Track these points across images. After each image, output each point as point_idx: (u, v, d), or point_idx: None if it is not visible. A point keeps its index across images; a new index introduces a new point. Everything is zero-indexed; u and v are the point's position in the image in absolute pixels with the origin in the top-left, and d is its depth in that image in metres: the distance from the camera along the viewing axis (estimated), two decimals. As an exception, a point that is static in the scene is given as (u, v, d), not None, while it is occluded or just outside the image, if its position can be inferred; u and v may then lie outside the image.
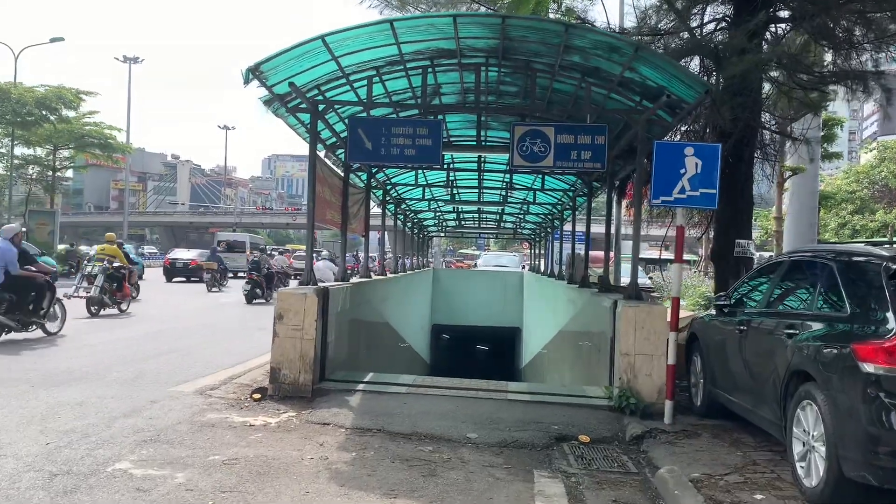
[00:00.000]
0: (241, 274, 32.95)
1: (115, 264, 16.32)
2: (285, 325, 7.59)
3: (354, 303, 9.94)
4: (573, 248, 15.21)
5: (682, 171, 6.88)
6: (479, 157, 13.32)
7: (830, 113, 19.07)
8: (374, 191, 14.28)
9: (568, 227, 19.65)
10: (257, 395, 7.55)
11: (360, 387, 7.83)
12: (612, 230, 13.27)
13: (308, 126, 8.33)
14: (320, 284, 8.38)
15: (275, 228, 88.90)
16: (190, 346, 11.62)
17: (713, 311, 7.17)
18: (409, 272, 20.91)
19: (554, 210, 18.73)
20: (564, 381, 12.07)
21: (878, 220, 38.80)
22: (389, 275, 15.99)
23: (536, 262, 29.78)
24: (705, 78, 9.37)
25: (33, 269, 11.44)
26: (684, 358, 7.74)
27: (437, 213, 23.94)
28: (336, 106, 8.65)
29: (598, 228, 14.19)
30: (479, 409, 7.17)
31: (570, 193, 14.86)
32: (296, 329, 7.59)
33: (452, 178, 15.37)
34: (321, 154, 10.07)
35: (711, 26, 10.41)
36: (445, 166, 13.56)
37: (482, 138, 11.17)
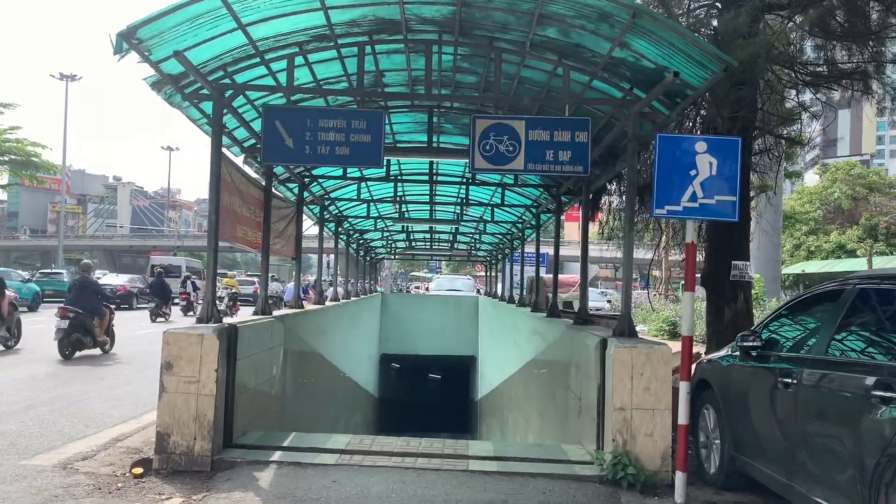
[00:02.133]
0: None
1: (232, 291, 27.72)
2: (175, 377, 5.75)
3: (281, 340, 8.10)
4: (537, 272, 13.58)
5: (693, 172, 5.32)
6: (432, 164, 11.61)
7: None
8: (310, 207, 12.45)
9: (528, 247, 18.14)
10: (138, 470, 5.71)
11: (277, 455, 5.97)
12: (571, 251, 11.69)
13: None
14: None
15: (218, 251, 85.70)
16: (78, 394, 9.54)
17: (735, 353, 5.56)
18: (353, 299, 19.02)
19: (513, 230, 17.14)
20: (532, 428, 10.35)
21: (832, 241, 38.74)
22: (329, 304, 14.08)
23: (493, 287, 28.23)
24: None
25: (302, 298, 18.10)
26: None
27: (385, 233, 22.15)
28: (249, 93, 6.85)
29: (551, 249, 12.88)
30: (432, 486, 5.41)
31: (534, 210, 13.26)
32: (190, 381, 5.74)
33: (401, 193, 13.61)
34: (238, 160, 8.26)
35: (698, 15, 9.16)
36: (392, 178, 11.82)
37: (434, 143, 9.52)
